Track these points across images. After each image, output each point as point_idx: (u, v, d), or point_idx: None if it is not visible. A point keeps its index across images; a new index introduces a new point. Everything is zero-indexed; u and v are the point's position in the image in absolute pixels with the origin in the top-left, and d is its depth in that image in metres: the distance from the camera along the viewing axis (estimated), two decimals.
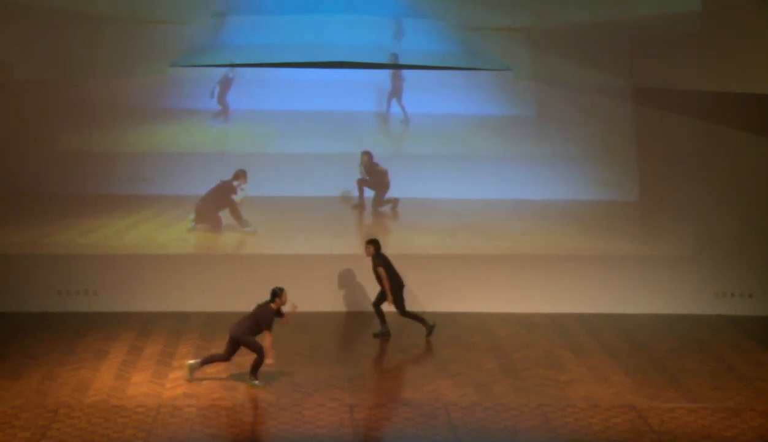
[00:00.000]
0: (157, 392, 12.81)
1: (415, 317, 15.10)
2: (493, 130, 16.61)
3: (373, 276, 15.05)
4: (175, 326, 15.42)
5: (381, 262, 14.86)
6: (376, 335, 15.10)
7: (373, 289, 15.48)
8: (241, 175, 16.18)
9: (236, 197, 16.22)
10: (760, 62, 14.90)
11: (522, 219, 16.66)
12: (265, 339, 13.01)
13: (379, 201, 16.61)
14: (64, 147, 16.07)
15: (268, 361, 12.98)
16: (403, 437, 11.81)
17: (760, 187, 16.29)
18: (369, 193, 16.62)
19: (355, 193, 16.59)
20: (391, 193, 16.58)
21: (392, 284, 14.85)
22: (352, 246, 16.58)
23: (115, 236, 16.26)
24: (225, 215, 16.40)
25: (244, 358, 14.13)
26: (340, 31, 15.98)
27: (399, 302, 14.95)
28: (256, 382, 13.06)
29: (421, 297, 16.20)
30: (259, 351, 13.04)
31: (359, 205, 16.64)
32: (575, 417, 12.26)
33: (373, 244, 14.92)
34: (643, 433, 11.85)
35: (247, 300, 16.04)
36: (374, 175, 16.51)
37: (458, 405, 12.58)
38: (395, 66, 16.26)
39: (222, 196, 16.24)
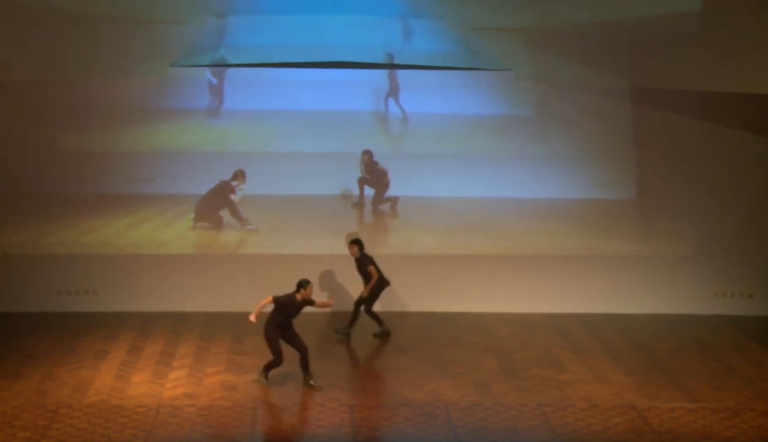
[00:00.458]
0: (157, 392, 12.81)
1: (377, 317, 15.07)
2: (493, 130, 16.62)
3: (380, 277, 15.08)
4: (175, 326, 15.42)
5: (370, 261, 14.83)
6: (376, 336, 15.10)
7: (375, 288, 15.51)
8: (240, 175, 16.19)
9: (235, 197, 16.23)
10: (760, 62, 14.90)
11: (522, 219, 16.66)
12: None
13: (379, 200, 16.62)
14: (64, 147, 16.07)
15: (252, 318, 13.02)
16: (403, 437, 11.81)
17: (760, 187, 16.29)
18: (369, 191, 16.63)
19: (355, 191, 16.60)
20: (391, 192, 16.59)
21: (378, 284, 14.82)
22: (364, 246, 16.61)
23: (115, 235, 16.26)
24: (226, 214, 16.41)
25: (244, 358, 14.13)
26: (340, 31, 15.98)
27: (371, 299, 14.90)
28: (264, 381, 13.06)
29: (421, 297, 16.20)
30: (278, 356, 12.99)
31: (359, 204, 16.64)
32: (575, 417, 12.26)
33: (357, 244, 14.88)
34: (643, 433, 11.85)
35: (247, 300, 16.04)
36: (374, 174, 16.53)
37: (458, 405, 12.58)
38: (395, 66, 16.27)
39: (221, 196, 16.25)
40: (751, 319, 16.25)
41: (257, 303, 12.96)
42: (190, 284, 16.13)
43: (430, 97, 16.51)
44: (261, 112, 16.46)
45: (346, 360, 14.35)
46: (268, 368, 13.13)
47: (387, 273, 15.86)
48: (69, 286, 16.04)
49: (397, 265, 16.06)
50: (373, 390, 13.11)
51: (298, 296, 13.02)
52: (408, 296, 15.94)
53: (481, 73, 16.37)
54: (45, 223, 16.14)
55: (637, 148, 16.46)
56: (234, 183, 16.20)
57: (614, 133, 16.47)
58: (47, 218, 16.14)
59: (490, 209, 16.66)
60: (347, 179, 16.52)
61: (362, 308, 14.97)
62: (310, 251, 16.16)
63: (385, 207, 16.72)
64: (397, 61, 16.23)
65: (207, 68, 16.27)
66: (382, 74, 16.45)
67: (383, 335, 15.08)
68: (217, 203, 16.30)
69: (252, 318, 12.99)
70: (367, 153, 16.44)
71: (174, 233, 16.35)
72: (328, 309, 13.55)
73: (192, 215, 16.34)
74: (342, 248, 16.38)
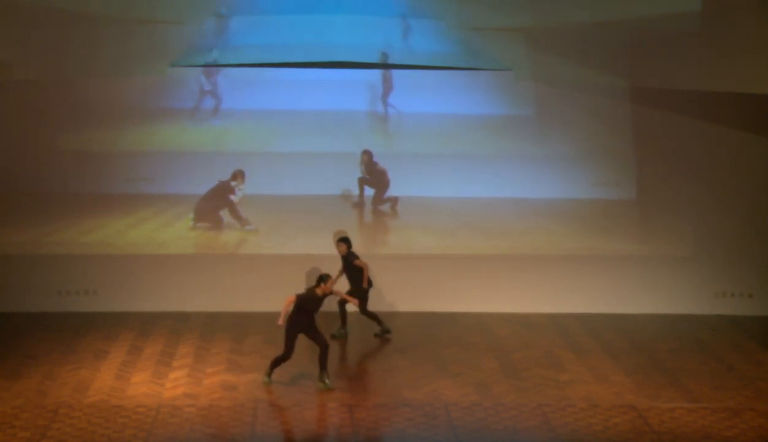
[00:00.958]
0: (157, 392, 12.81)
1: (375, 317, 15.05)
2: (493, 130, 16.62)
3: (371, 277, 15.03)
4: (175, 326, 15.42)
5: (357, 256, 14.77)
6: (377, 335, 15.10)
7: (372, 288, 15.51)
8: (239, 175, 16.19)
9: (234, 198, 16.23)
10: (760, 62, 14.90)
11: (522, 219, 16.66)
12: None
13: (379, 200, 16.62)
14: (64, 147, 16.07)
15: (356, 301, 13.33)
16: (403, 437, 11.81)
17: (760, 187, 16.29)
18: (369, 192, 16.63)
19: (355, 191, 16.60)
20: (391, 192, 16.59)
21: (360, 282, 14.78)
22: (352, 245, 16.58)
23: (115, 235, 16.26)
24: (226, 214, 16.41)
25: (244, 358, 14.13)
26: (340, 31, 15.98)
27: (364, 301, 14.90)
28: (267, 379, 13.08)
29: (421, 297, 16.20)
30: (288, 351, 13.01)
31: (359, 204, 16.65)
32: (575, 417, 12.26)
33: (345, 242, 14.84)
34: (643, 433, 11.85)
35: (247, 300, 16.09)
36: (374, 174, 16.53)
37: (458, 405, 12.58)
38: (396, 66, 16.27)
39: (220, 197, 16.25)
40: (751, 319, 16.25)
41: (282, 306, 12.90)
42: (190, 284, 16.13)
43: (430, 97, 16.51)
44: (261, 112, 16.46)
45: (346, 360, 14.34)
46: (275, 363, 13.10)
47: (387, 273, 15.92)
48: (69, 286, 16.03)
49: (397, 265, 16.07)
50: (373, 390, 13.11)
51: (319, 291, 13.01)
52: (408, 296, 15.93)
53: (481, 73, 16.38)
54: (45, 223, 16.14)
55: (637, 148, 16.46)
56: (233, 183, 16.20)
57: (614, 133, 16.47)
58: (47, 218, 16.14)
59: (490, 209, 16.66)
60: (347, 179, 16.52)
61: (360, 310, 14.92)
62: (310, 251, 16.15)
63: (385, 207, 16.72)
64: (397, 61, 16.23)
65: (201, 74, 16.26)
66: (380, 74, 16.45)
67: (384, 334, 15.07)
68: (216, 203, 16.30)
69: (280, 322, 12.96)
70: (367, 153, 16.44)
71: (174, 232, 16.35)
72: (350, 302, 13.56)
73: (192, 215, 16.34)
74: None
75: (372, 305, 15.36)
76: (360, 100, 16.60)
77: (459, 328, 15.58)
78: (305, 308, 12.98)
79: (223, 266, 16.22)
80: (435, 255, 16.34)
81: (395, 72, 16.41)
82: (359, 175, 16.52)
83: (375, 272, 16.03)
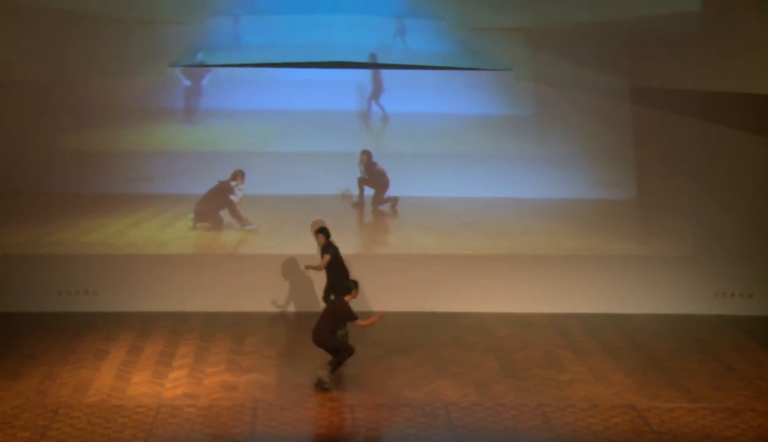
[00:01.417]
0: (157, 392, 12.81)
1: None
2: (493, 130, 16.62)
3: (371, 276, 15.04)
4: (175, 326, 15.42)
5: (331, 251, 14.69)
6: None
7: (372, 288, 15.50)
8: (239, 175, 16.19)
9: (234, 198, 16.23)
10: (760, 62, 14.90)
11: (522, 219, 16.67)
12: (362, 324, 13.01)
13: (378, 200, 16.62)
14: (64, 147, 16.07)
15: (379, 316, 13.06)
16: (403, 437, 11.81)
17: (760, 187, 16.29)
18: (369, 191, 16.63)
19: (355, 191, 16.60)
20: (391, 192, 16.59)
21: (339, 276, 14.64)
22: (352, 245, 16.58)
23: (115, 235, 16.26)
24: (226, 214, 16.41)
25: (244, 358, 14.13)
26: (340, 32, 15.99)
27: (330, 293, 14.87)
28: (327, 383, 12.99)
29: (421, 297, 16.19)
30: (346, 349, 13.00)
31: (359, 204, 16.65)
32: (575, 417, 12.26)
33: (323, 232, 14.70)
34: (643, 433, 11.85)
35: (247, 300, 16.08)
36: (373, 174, 16.53)
37: (458, 405, 12.58)
38: (396, 66, 16.27)
39: (220, 197, 16.25)
40: (751, 319, 16.25)
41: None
42: (190, 284, 16.13)
43: (429, 97, 16.51)
44: (261, 112, 16.46)
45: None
46: (334, 366, 13.02)
47: (387, 273, 15.92)
48: (69, 286, 16.03)
49: (397, 265, 16.06)
50: (373, 390, 13.11)
51: (347, 298, 13.08)
52: (408, 296, 15.92)
53: (481, 73, 16.38)
54: (45, 223, 16.14)
55: (637, 148, 16.46)
56: (233, 183, 16.20)
57: (614, 133, 16.47)
58: (47, 218, 16.14)
59: (490, 209, 16.66)
60: (347, 179, 16.52)
61: (324, 297, 14.86)
62: (310, 251, 16.14)
63: (385, 207, 16.72)
64: (397, 61, 16.23)
65: (180, 73, 16.27)
66: (382, 74, 16.44)
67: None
68: (216, 204, 16.30)
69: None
70: (366, 153, 16.44)
71: (174, 232, 16.35)
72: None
73: (192, 215, 16.34)
74: (342, 248, 16.37)
75: (372, 305, 15.36)
76: (360, 101, 16.60)
77: (459, 328, 15.58)
78: (338, 318, 13.09)
79: (223, 266, 16.22)
80: (435, 255, 16.33)
81: (395, 72, 16.40)
82: (359, 175, 16.52)
83: (375, 271, 16.06)
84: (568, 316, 16.19)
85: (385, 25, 16.32)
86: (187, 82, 16.32)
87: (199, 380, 13.25)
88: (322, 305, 15.62)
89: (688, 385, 13.35)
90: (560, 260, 16.41)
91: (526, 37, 16.25)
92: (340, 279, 14.66)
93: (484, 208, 16.66)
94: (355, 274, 16.16)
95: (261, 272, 15.98)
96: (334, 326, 13.10)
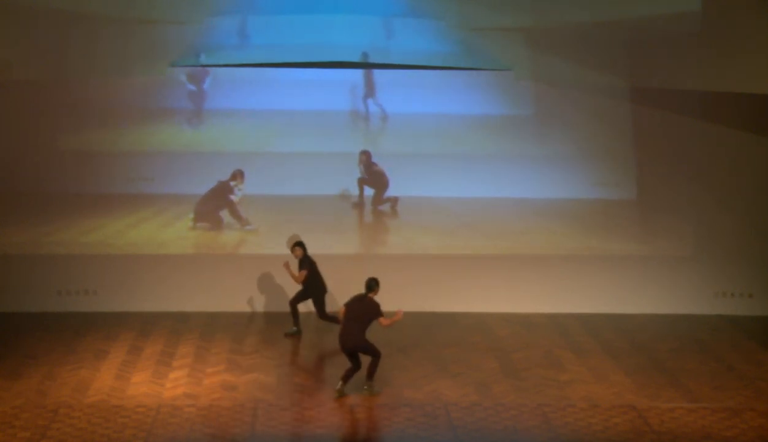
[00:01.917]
0: (157, 392, 12.81)
1: (334, 319, 15.07)
2: (493, 130, 16.62)
3: (368, 277, 15.00)
4: (175, 326, 15.42)
5: (307, 265, 14.73)
6: (287, 334, 15.06)
7: None
8: (238, 175, 16.19)
9: (234, 197, 16.23)
10: (760, 62, 14.90)
11: (522, 219, 16.67)
12: (385, 323, 12.77)
13: (378, 200, 16.62)
14: (64, 147, 16.07)
15: (400, 316, 12.74)
16: (403, 437, 11.81)
17: (760, 187, 16.29)
18: (369, 191, 16.63)
19: (355, 191, 16.60)
20: (391, 192, 16.59)
21: (315, 288, 14.80)
22: (352, 245, 16.60)
23: (115, 235, 16.27)
24: (226, 214, 16.41)
25: (244, 358, 14.13)
26: (340, 31, 15.98)
27: (320, 305, 14.93)
28: (375, 388, 12.95)
29: (421, 297, 16.19)
30: (377, 353, 12.91)
31: (359, 204, 16.64)
32: (575, 417, 12.26)
33: (301, 246, 14.82)
34: (643, 433, 11.85)
35: (247, 300, 16.07)
36: (373, 175, 16.53)
37: (458, 405, 12.58)
38: (396, 66, 16.26)
39: (220, 197, 16.25)
40: (751, 319, 16.25)
41: (392, 321, 12.74)
42: (190, 284, 16.13)
43: (429, 97, 16.51)
44: (261, 112, 16.46)
45: (346, 360, 14.32)
46: (372, 371, 12.94)
47: (387, 273, 15.84)
48: (69, 286, 16.03)
49: (397, 265, 16.05)
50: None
51: (372, 294, 12.97)
52: (408, 296, 15.91)
53: (481, 73, 16.38)
54: (45, 223, 16.14)
55: (637, 148, 16.46)
56: (232, 183, 16.20)
57: (614, 133, 16.47)
58: (47, 218, 16.14)
59: (490, 209, 16.66)
60: (347, 179, 16.52)
61: (317, 313, 14.96)
62: (310, 251, 16.14)
63: (385, 207, 16.72)
64: (397, 61, 16.23)
65: (185, 77, 16.28)
66: (382, 74, 16.44)
67: (294, 334, 15.04)
68: (216, 204, 16.30)
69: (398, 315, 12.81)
70: (365, 153, 16.44)
71: (174, 232, 16.35)
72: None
73: (192, 215, 16.34)
74: (342, 248, 16.41)
75: None
76: (360, 101, 16.60)
77: (459, 328, 15.58)
78: (366, 318, 12.86)
79: (223, 266, 16.22)
80: (435, 255, 16.34)
81: (395, 72, 16.40)
82: (359, 175, 16.52)
83: (375, 271, 16.03)
84: (568, 316, 16.20)
85: (385, 25, 16.32)
86: (192, 87, 16.33)
87: (199, 380, 13.25)
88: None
89: (688, 385, 13.35)
90: (560, 260, 16.41)
91: (526, 37, 16.25)
92: (315, 291, 14.84)
93: (484, 208, 16.66)
94: (355, 274, 16.15)
95: (261, 272, 15.98)
96: (365, 327, 12.90)
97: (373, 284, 13.02)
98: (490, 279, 16.34)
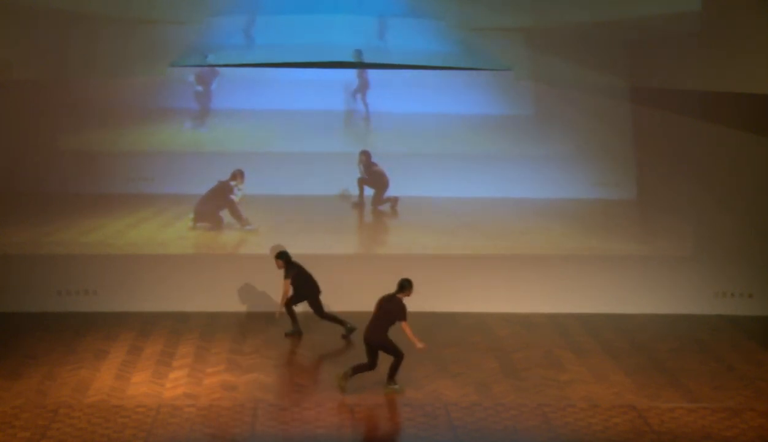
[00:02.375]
0: (157, 392, 12.81)
1: (334, 318, 15.08)
2: (493, 130, 16.62)
3: (371, 276, 15.04)
4: (175, 326, 15.42)
5: (292, 273, 14.71)
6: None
7: (372, 288, 15.49)
8: (238, 175, 16.19)
9: (234, 197, 16.23)
10: (760, 62, 14.90)
11: (522, 219, 16.67)
12: (406, 330, 12.77)
13: (378, 200, 16.62)
14: (64, 147, 16.07)
15: (419, 346, 12.72)
16: (403, 437, 11.81)
17: (760, 187, 16.29)
18: (369, 191, 16.63)
19: (355, 191, 16.60)
20: (391, 192, 16.59)
21: (306, 290, 14.83)
22: (352, 245, 16.60)
23: (115, 235, 16.27)
24: (226, 214, 16.41)
25: (244, 358, 14.13)
26: (340, 32, 15.98)
27: (317, 307, 14.94)
28: (396, 386, 12.96)
29: (421, 297, 16.16)
30: (398, 354, 12.92)
31: (359, 204, 16.65)
32: (575, 417, 12.26)
33: (282, 257, 14.81)
34: (643, 433, 11.85)
35: (247, 300, 16.09)
36: (372, 175, 16.52)
37: (458, 405, 12.58)
38: (396, 66, 16.26)
39: (220, 197, 16.25)
40: (751, 319, 16.25)
41: (410, 335, 12.71)
42: (190, 284, 16.13)
43: (429, 96, 16.51)
44: (261, 112, 16.46)
45: (346, 360, 14.33)
46: (393, 371, 12.98)
47: (387, 273, 15.83)
48: (69, 286, 16.03)
49: (397, 265, 16.03)
50: (373, 390, 13.11)
51: (400, 296, 13.00)
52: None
53: (481, 73, 16.38)
54: (45, 223, 16.14)
55: (637, 148, 16.46)
56: (232, 183, 16.20)
57: (614, 133, 16.47)
58: (47, 218, 16.14)
59: (490, 209, 16.66)
60: (347, 179, 16.52)
61: (317, 314, 15.01)
62: (310, 251, 16.15)
63: (385, 207, 16.72)
64: (397, 61, 16.23)
65: (192, 77, 16.28)
66: (382, 74, 16.44)
67: (295, 334, 15.06)
68: (216, 204, 16.31)
69: (420, 346, 12.74)
70: (365, 153, 16.44)
71: (174, 232, 16.35)
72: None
73: (192, 215, 16.34)
74: (342, 248, 16.41)
75: (372, 306, 15.35)
76: (360, 101, 16.59)
77: (459, 328, 15.58)
78: (391, 317, 12.92)
79: (223, 266, 16.22)
80: (435, 255, 16.34)
81: (396, 72, 16.40)
82: (359, 175, 16.51)
83: (375, 271, 16.06)
84: (568, 316, 16.20)
85: (385, 25, 16.32)
86: (199, 88, 16.33)
87: (199, 380, 13.25)
88: (324, 305, 15.68)
89: (688, 385, 13.35)
90: (560, 260, 16.41)
91: (526, 37, 16.25)
92: (307, 293, 14.87)
93: (484, 208, 16.66)
94: (355, 274, 16.19)
95: (261, 272, 15.97)
96: (388, 325, 12.94)
97: (405, 285, 13.08)
98: (490, 279, 16.34)
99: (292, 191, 16.49)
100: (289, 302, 14.98)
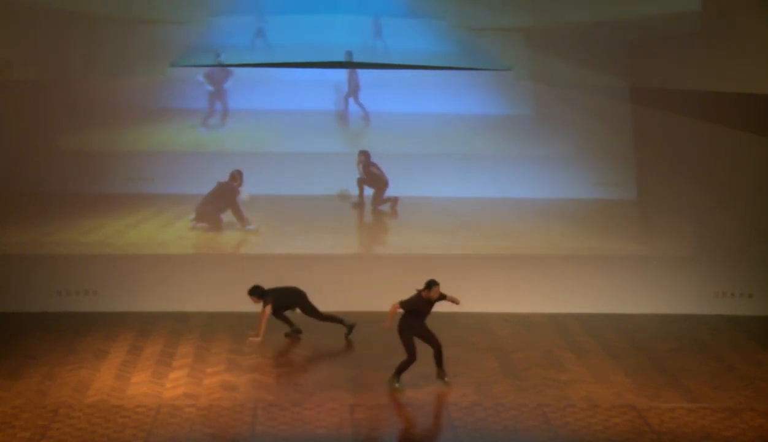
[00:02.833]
0: (157, 392, 12.81)
1: (333, 318, 15.08)
2: (493, 130, 16.63)
3: (371, 276, 15.05)
4: (175, 326, 15.42)
5: (269, 301, 14.63)
6: (287, 335, 15.06)
7: (372, 288, 15.52)
8: (237, 176, 16.17)
9: (242, 198, 16.18)
10: (760, 62, 14.91)
11: (522, 219, 16.67)
12: (390, 314, 13.10)
13: (378, 200, 16.61)
14: (64, 147, 16.07)
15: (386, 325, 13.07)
16: (403, 437, 11.81)
17: (760, 187, 16.29)
18: (369, 191, 16.63)
19: (355, 191, 16.60)
20: (392, 192, 16.59)
21: (291, 300, 14.83)
22: (352, 245, 16.60)
23: (116, 235, 16.27)
24: (226, 215, 16.40)
25: (244, 358, 14.13)
26: (340, 32, 15.99)
27: (311, 310, 14.93)
28: (396, 384, 13.02)
29: None
30: (411, 354, 13.02)
31: (359, 204, 16.64)
32: (575, 417, 12.26)
33: (254, 293, 14.73)
34: (643, 433, 11.84)
35: (247, 300, 16.05)
36: (371, 175, 16.52)
37: (458, 405, 12.58)
38: (396, 66, 16.27)
39: (224, 199, 16.23)
40: (751, 319, 16.25)
41: (389, 310, 13.00)
42: (190, 284, 16.13)
43: (429, 96, 16.52)
44: (261, 112, 16.47)
45: (346, 360, 14.34)
46: (401, 369, 13.06)
47: (387, 273, 15.90)
48: (69, 286, 16.03)
49: (397, 265, 16.05)
50: (373, 390, 13.11)
51: (423, 295, 13.04)
52: (408, 296, 15.90)
53: (481, 73, 16.38)
54: (45, 223, 16.14)
55: (637, 148, 16.46)
56: (234, 184, 16.19)
57: (614, 133, 16.47)
58: (47, 218, 16.14)
59: (490, 209, 16.67)
60: (348, 179, 16.52)
61: (315, 318, 15.00)
62: (310, 251, 16.17)
63: (386, 207, 16.72)
64: (397, 61, 16.23)
65: (204, 78, 16.28)
66: (382, 74, 16.45)
67: (295, 334, 15.08)
68: (219, 206, 16.28)
69: (387, 325, 13.05)
70: (364, 153, 16.43)
71: (174, 232, 16.36)
72: (456, 304, 13.46)
73: (192, 216, 16.32)
74: (342, 248, 16.42)
75: (372, 305, 15.37)
76: (354, 103, 16.60)
77: (459, 328, 15.57)
78: (416, 311, 13.02)
79: (223, 266, 16.21)
80: (435, 255, 16.33)
81: (395, 72, 16.40)
82: (359, 175, 16.51)
83: (375, 271, 16.08)
84: (568, 316, 16.19)
85: (385, 25, 16.32)
86: (210, 88, 16.32)
87: (199, 380, 13.25)
88: (324, 305, 15.67)
89: (688, 385, 13.34)
90: (560, 260, 16.41)
91: (526, 37, 16.25)
92: (293, 302, 14.88)
93: (484, 208, 16.66)
94: (355, 274, 16.20)
95: (261, 272, 15.95)
96: (412, 321, 13.06)
97: (431, 284, 13.14)
98: (490, 279, 16.34)
99: (292, 191, 16.49)
100: (278, 312, 14.92)
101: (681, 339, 15.24)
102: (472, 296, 16.24)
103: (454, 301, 13.38)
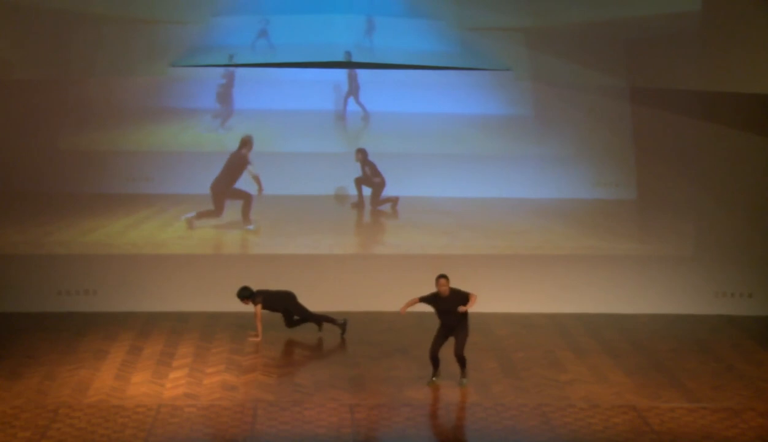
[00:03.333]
0: (157, 392, 12.82)
1: (325, 318, 15.09)
2: (492, 130, 16.62)
3: (371, 277, 15.04)
4: (175, 326, 15.42)
5: (259, 300, 14.79)
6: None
7: (372, 288, 15.51)
8: (247, 140, 16.04)
9: (251, 167, 16.08)
10: (760, 62, 14.90)
11: (522, 218, 16.67)
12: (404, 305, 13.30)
13: (377, 198, 16.60)
14: (64, 147, 16.07)
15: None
16: (403, 437, 11.81)
17: (760, 187, 16.30)
18: (368, 191, 16.62)
19: (351, 191, 16.59)
20: (391, 192, 16.58)
21: (281, 303, 14.94)
22: (352, 245, 16.60)
23: (116, 235, 16.27)
24: (229, 209, 16.33)
25: (244, 358, 14.14)
26: (340, 31, 15.99)
27: (303, 312, 15.01)
28: (435, 378, 13.21)
29: None
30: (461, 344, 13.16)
31: (358, 204, 16.64)
32: (575, 417, 12.26)
33: (242, 296, 14.86)
34: (643, 433, 11.85)
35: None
36: (368, 173, 16.51)
37: (458, 405, 12.58)
38: (396, 66, 16.27)
39: (236, 170, 16.07)
40: (751, 319, 16.26)
41: (406, 301, 13.18)
42: (190, 284, 16.14)
43: (429, 96, 16.51)
44: (261, 112, 16.46)
45: (346, 360, 14.34)
46: (461, 365, 13.23)
47: (387, 273, 15.90)
48: (69, 286, 16.04)
49: (397, 265, 16.05)
50: (373, 390, 13.11)
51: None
52: (408, 296, 15.89)
53: (481, 73, 16.38)
54: (45, 223, 16.14)
55: (637, 148, 16.46)
56: (243, 151, 16.08)
57: (614, 133, 16.47)
58: (47, 218, 16.14)
59: (490, 209, 16.66)
60: (348, 179, 16.52)
61: (308, 320, 15.11)
62: (310, 251, 16.17)
63: (385, 207, 16.72)
64: (397, 61, 16.23)
65: (222, 78, 16.28)
66: (382, 74, 16.44)
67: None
68: (231, 177, 16.06)
69: (402, 311, 13.22)
70: (361, 151, 16.43)
71: (174, 232, 16.36)
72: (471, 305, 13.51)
73: (184, 218, 16.25)
74: (342, 248, 16.42)
75: (371, 305, 15.36)
76: (354, 103, 16.60)
77: None
78: (435, 307, 13.11)
79: (223, 266, 16.22)
80: (435, 255, 16.33)
81: (395, 72, 16.40)
82: (359, 175, 16.51)
83: (375, 271, 16.09)
84: (568, 316, 16.20)
85: (384, 25, 16.31)
86: (222, 81, 16.30)
87: (199, 380, 13.25)
88: (324, 306, 15.69)
89: (688, 385, 13.35)
90: (560, 260, 16.42)
91: (526, 37, 16.24)
92: (282, 305, 14.98)
93: (484, 208, 16.66)
94: (355, 274, 16.20)
95: (261, 272, 15.96)
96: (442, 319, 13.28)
97: (437, 278, 13.15)
98: (490, 279, 16.34)
99: (292, 191, 16.49)
100: (288, 322, 15.03)
101: (681, 339, 15.25)
102: None
103: (464, 307, 13.25)
